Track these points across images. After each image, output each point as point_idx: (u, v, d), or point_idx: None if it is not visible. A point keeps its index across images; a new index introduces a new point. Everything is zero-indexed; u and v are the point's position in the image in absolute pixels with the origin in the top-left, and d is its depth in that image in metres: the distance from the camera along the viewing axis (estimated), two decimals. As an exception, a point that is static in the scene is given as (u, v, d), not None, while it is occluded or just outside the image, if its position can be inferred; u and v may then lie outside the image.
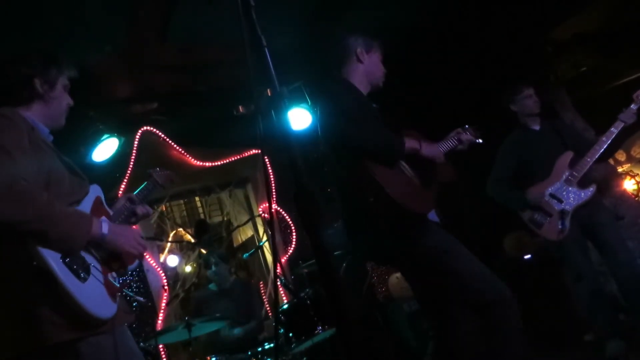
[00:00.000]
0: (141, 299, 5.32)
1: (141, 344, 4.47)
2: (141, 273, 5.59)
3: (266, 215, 6.42)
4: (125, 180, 5.60)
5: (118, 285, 2.30)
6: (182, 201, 7.87)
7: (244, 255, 6.00)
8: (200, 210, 8.08)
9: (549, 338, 5.20)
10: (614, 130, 4.22)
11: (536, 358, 5.00)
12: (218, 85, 5.51)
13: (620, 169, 6.28)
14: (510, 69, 6.00)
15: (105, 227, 2.23)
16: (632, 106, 4.19)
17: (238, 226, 7.23)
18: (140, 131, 5.85)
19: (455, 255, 2.88)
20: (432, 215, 3.06)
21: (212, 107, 5.79)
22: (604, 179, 5.59)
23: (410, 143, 2.98)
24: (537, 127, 4.67)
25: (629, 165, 6.38)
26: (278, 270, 5.35)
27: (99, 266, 2.22)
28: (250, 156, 6.52)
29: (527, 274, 5.62)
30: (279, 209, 6.39)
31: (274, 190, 6.27)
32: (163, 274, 5.68)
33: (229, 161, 6.42)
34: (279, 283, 5.27)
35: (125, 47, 4.56)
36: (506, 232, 5.94)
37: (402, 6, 4.98)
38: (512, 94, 4.68)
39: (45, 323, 1.99)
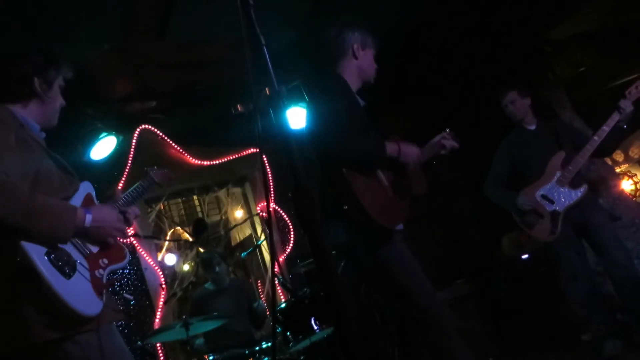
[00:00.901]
0: (129, 296, 5.30)
1: (139, 342, 4.47)
2: (139, 271, 5.58)
3: (264, 214, 6.42)
4: (123, 179, 5.60)
5: (105, 282, 2.28)
6: (180, 200, 7.86)
7: (242, 254, 6.00)
8: (199, 209, 8.08)
9: (546, 337, 5.21)
10: (606, 128, 4.23)
11: (533, 357, 5.02)
12: (216, 84, 5.50)
13: (618, 169, 6.29)
14: (509, 68, 6.01)
15: (88, 219, 2.21)
16: (625, 100, 4.19)
17: (236, 225, 7.23)
18: (138, 129, 5.85)
19: (409, 271, 2.95)
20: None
21: (210, 105, 5.78)
22: (601, 179, 5.60)
23: (389, 148, 3.01)
24: (532, 127, 4.68)
25: (626, 165, 6.39)
26: (276, 269, 5.35)
27: (85, 263, 2.21)
28: (248, 155, 6.52)
29: (524, 274, 5.63)
30: (277, 207, 6.39)
31: (272, 189, 6.27)
32: (161, 273, 5.67)
33: (227, 160, 6.42)
34: (276, 282, 5.27)
35: (123, 45, 4.54)
36: (504, 232, 5.94)
37: (400, 5, 4.98)
38: (498, 100, 4.73)
39: (29, 321, 1.98)
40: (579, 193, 4.31)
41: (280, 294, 5.82)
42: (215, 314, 4.73)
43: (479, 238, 6.62)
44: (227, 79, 5.29)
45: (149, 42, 4.62)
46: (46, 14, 3.84)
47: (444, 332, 2.88)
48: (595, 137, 4.24)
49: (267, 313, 5.61)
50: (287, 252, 6.28)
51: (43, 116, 2.44)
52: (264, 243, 6.31)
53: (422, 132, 3.38)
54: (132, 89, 5.41)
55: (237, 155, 6.46)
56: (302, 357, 4.57)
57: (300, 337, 4.31)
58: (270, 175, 6.07)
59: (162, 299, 5.49)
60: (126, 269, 5.48)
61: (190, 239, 7.34)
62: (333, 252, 2.99)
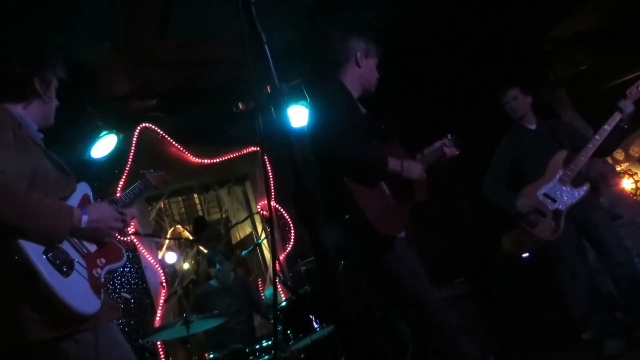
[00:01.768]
0: (127, 295, 5.31)
1: (139, 340, 4.47)
2: (139, 270, 5.59)
3: (265, 212, 6.42)
4: (124, 177, 5.60)
5: (103, 280, 2.28)
6: (180, 198, 7.87)
7: (243, 253, 6.00)
8: (199, 207, 8.09)
9: (547, 336, 5.21)
10: (607, 128, 4.22)
11: (534, 356, 5.02)
12: (217, 82, 5.50)
13: (618, 168, 6.28)
14: (509, 67, 6.00)
15: (84, 219, 2.21)
16: (625, 100, 4.19)
17: (236, 223, 7.23)
18: (139, 128, 5.85)
19: (413, 276, 2.95)
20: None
21: (211, 104, 5.78)
22: (602, 178, 5.60)
23: (392, 164, 3.00)
24: (532, 127, 4.68)
25: (627, 164, 6.38)
26: (277, 268, 5.35)
27: (83, 261, 2.21)
28: (249, 153, 6.52)
29: (525, 273, 5.63)
30: (277, 206, 6.39)
31: (272, 188, 6.27)
32: (161, 271, 5.67)
33: (228, 158, 6.42)
34: (277, 280, 5.27)
35: (124, 43, 4.55)
36: (504, 230, 5.94)
37: (400, 4, 4.97)
38: (499, 98, 4.72)
39: (27, 320, 1.98)
40: (581, 192, 4.30)
41: (281, 292, 5.82)
42: (216, 312, 4.74)
43: (479, 237, 6.62)
44: (227, 77, 5.29)
45: (150, 40, 4.62)
46: (47, 13, 3.85)
47: (451, 337, 2.89)
48: (597, 137, 4.24)
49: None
50: (287, 251, 6.29)
51: (42, 116, 2.45)
52: (265, 241, 6.31)
53: (421, 131, 3.37)
54: (132, 87, 5.42)
55: (237, 154, 6.46)
56: (302, 356, 4.58)
57: (301, 335, 4.32)
58: (270, 173, 6.07)
59: (162, 297, 5.49)
60: (127, 267, 5.50)
61: (191, 238, 7.35)
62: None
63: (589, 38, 6.28)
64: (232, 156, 6.44)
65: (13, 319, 1.98)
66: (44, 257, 2.03)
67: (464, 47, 5.96)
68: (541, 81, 6.30)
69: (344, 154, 2.84)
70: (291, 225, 6.42)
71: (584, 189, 4.31)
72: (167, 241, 7.31)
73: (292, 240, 6.36)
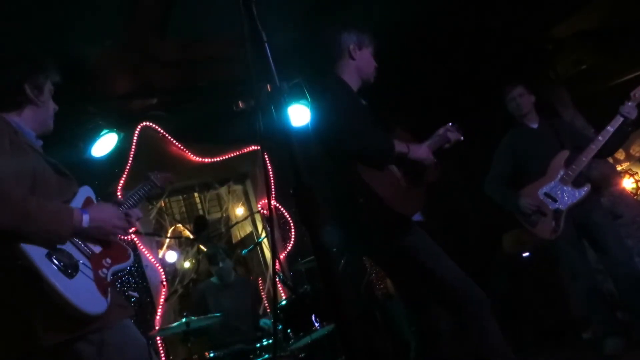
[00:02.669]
0: (135, 293, 5.32)
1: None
2: (140, 269, 5.60)
3: (265, 211, 6.42)
4: (124, 176, 5.60)
5: (109, 280, 2.28)
6: (181, 197, 7.87)
7: (243, 252, 6.01)
8: (199, 206, 8.09)
9: (547, 336, 5.21)
10: (610, 129, 4.22)
11: (535, 355, 5.02)
12: (218, 81, 5.50)
13: (619, 168, 6.28)
14: (510, 66, 6.00)
15: (85, 219, 2.22)
16: (629, 103, 4.19)
17: (237, 222, 7.23)
18: (139, 127, 5.85)
19: (435, 257, 2.94)
20: (416, 216, 3.10)
21: (211, 102, 5.79)
22: (603, 178, 5.59)
23: (399, 146, 3.00)
24: (534, 126, 4.67)
25: (628, 163, 6.38)
26: (277, 267, 5.36)
27: (88, 263, 2.21)
28: (249, 152, 6.52)
29: (525, 272, 5.63)
30: (278, 205, 6.39)
31: (273, 187, 6.27)
32: (162, 270, 5.68)
33: (228, 157, 6.42)
34: (277, 279, 5.27)
35: (124, 42, 4.55)
36: (505, 229, 5.94)
37: (401, 2, 4.98)
38: (503, 95, 4.72)
39: (36, 325, 1.98)
40: (582, 192, 4.30)
41: (281, 291, 5.82)
42: (217, 314, 4.75)
43: (479, 236, 6.62)
44: (228, 76, 5.30)
45: (150, 39, 4.62)
46: (48, 12, 3.85)
47: (476, 312, 2.88)
48: (600, 137, 4.23)
49: (267, 310, 5.62)
50: (287, 250, 6.29)
51: (37, 122, 2.43)
52: (265, 240, 6.31)
53: (422, 129, 3.37)
54: (133, 86, 5.42)
55: (238, 153, 6.46)
56: (302, 354, 4.58)
57: (301, 334, 4.32)
58: (271, 172, 6.07)
59: (163, 296, 5.50)
60: (124, 270, 5.50)
61: (191, 237, 7.35)
62: (334, 249, 2.99)
63: (590, 37, 6.28)
64: (232, 155, 6.44)
65: (24, 325, 1.99)
66: (48, 259, 2.03)
67: (464, 47, 5.96)
68: (542, 80, 6.30)
69: (352, 140, 2.86)
70: (291, 224, 6.43)
71: (585, 190, 4.30)
72: (167, 240, 7.31)
73: (292, 239, 6.36)
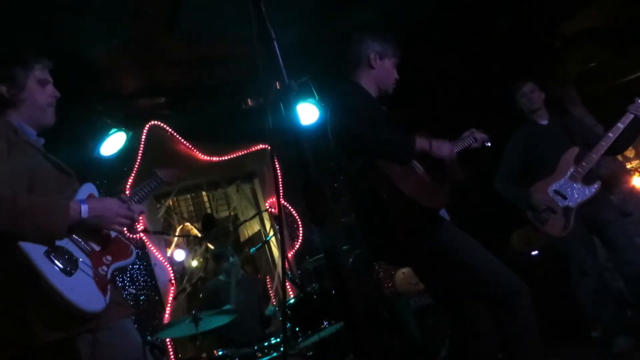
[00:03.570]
0: (133, 290, 5.34)
1: (148, 337, 4.49)
2: (148, 267, 5.62)
3: (273, 210, 6.42)
4: (133, 175, 5.62)
5: (109, 278, 2.26)
6: (189, 196, 7.89)
7: (251, 250, 6.02)
8: (207, 204, 8.11)
9: (556, 334, 5.19)
10: (621, 126, 4.20)
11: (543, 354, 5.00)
12: (226, 79, 5.51)
13: (628, 165, 6.25)
14: (518, 64, 5.98)
15: (84, 210, 2.20)
16: (639, 100, 4.17)
17: (245, 221, 7.24)
18: (147, 125, 5.86)
19: (469, 249, 2.89)
20: (443, 213, 3.07)
21: (219, 101, 5.80)
22: (612, 175, 5.56)
23: (420, 143, 3.00)
24: (544, 122, 4.65)
25: (637, 161, 6.35)
26: (285, 265, 5.36)
27: (88, 260, 2.20)
28: (257, 151, 6.52)
29: (534, 270, 5.60)
30: (286, 204, 6.39)
31: (281, 185, 6.27)
32: (170, 268, 5.70)
33: (236, 156, 6.42)
34: (285, 278, 5.27)
35: (132, 41, 4.56)
36: (513, 227, 5.92)
37: (409, 1, 4.97)
38: (514, 91, 4.69)
39: (37, 323, 1.99)
40: (592, 189, 4.28)
41: (290, 289, 5.83)
42: (225, 307, 4.75)
43: (488, 234, 6.59)
44: (236, 74, 5.30)
45: (158, 37, 4.63)
46: (56, 12, 3.86)
47: (517, 303, 2.84)
48: (610, 134, 4.21)
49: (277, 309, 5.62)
50: (295, 248, 6.29)
51: (27, 118, 2.40)
52: (273, 239, 6.32)
53: (432, 128, 3.36)
54: (141, 85, 5.44)
55: (246, 151, 6.47)
56: (311, 353, 4.58)
57: (309, 332, 4.32)
58: (279, 171, 6.07)
59: (171, 295, 5.51)
60: (136, 264, 5.52)
61: (199, 235, 7.37)
62: (343, 248, 2.98)
63: (599, 35, 6.25)
64: (240, 154, 6.44)
65: (23, 322, 1.99)
66: (46, 257, 2.03)
67: (473, 44, 5.94)
68: (551, 78, 6.27)
69: (374, 135, 2.87)
70: (299, 222, 6.43)
71: (595, 187, 4.28)
72: (175, 239, 7.34)
73: (300, 237, 6.36)
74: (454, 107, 6.28)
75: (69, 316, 2.02)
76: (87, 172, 2.41)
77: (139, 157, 5.73)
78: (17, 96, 2.38)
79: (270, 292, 6.25)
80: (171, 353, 5.26)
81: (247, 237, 8.31)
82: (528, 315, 2.88)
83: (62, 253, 2.10)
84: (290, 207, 6.44)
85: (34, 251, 2.01)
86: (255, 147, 6.49)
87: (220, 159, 6.34)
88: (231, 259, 5.51)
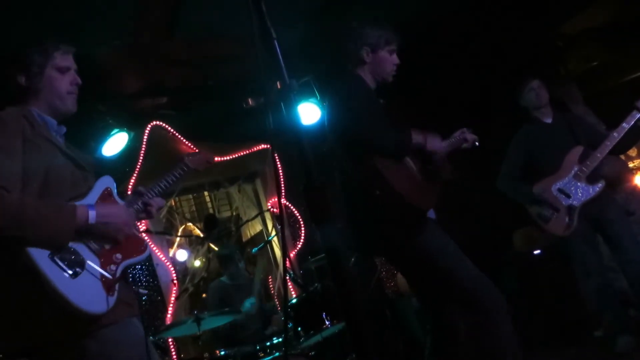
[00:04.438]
0: (143, 291, 5.34)
1: (150, 337, 4.49)
2: (151, 267, 5.62)
3: (275, 210, 6.42)
4: (135, 175, 5.61)
5: (119, 276, 2.24)
6: (191, 196, 7.90)
7: (253, 250, 6.01)
8: (209, 204, 8.11)
9: (558, 333, 5.18)
10: (626, 126, 4.19)
11: (545, 353, 5.00)
12: (227, 79, 5.51)
13: (631, 164, 6.24)
14: (520, 63, 5.97)
15: (92, 216, 2.18)
16: None
17: (247, 221, 7.24)
18: (149, 126, 5.86)
19: (450, 254, 2.96)
20: (430, 213, 3.10)
21: (221, 101, 5.79)
22: (615, 175, 5.55)
23: (416, 137, 3.05)
24: (548, 120, 4.64)
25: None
26: (287, 265, 5.36)
27: (96, 260, 2.19)
28: (259, 151, 6.52)
29: (536, 269, 5.61)
30: (287, 203, 6.38)
31: (283, 185, 6.27)
32: (172, 269, 5.70)
33: (238, 156, 6.42)
34: (287, 277, 5.27)
35: (134, 41, 4.56)
36: (516, 227, 5.91)
37: (411, 0, 4.96)
38: (519, 89, 4.68)
39: (41, 323, 2.00)
40: (596, 188, 4.27)
41: (291, 289, 5.83)
42: (226, 309, 4.75)
43: (490, 233, 6.59)
44: (237, 74, 5.30)
45: (160, 38, 4.63)
46: (57, 11, 3.86)
47: (490, 313, 2.86)
48: (615, 134, 4.20)
49: (279, 309, 5.62)
50: (297, 248, 6.29)
51: (47, 106, 2.39)
52: (275, 239, 6.31)
53: (432, 126, 3.37)
54: (143, 85, 5.44)
55: (247, 151, 6.47)
56: (313, 353, 4.58)
57: (312, 332, 4.32)
58: (281, 170, 6.07)
59: (173, 295, 5.51)
60: (138, 264, 5.52)
61: (202, 235, 7.38)
62: (344, 247, 2.98)
63: (600, 34, 6.24)
64: (242, 154, 6.44)
65: (28, 322, 2.01)
66: (50, 259, 2.02)
67: (475, 43, 5.93)
68: (552, 77, 6.26)
69: (369, 129, 2.91)
70: (301, 222, 6.42)
71: (599, 186, 4.27)
72: (178, 239, 7.34)
73: (302, 237, 6.36)
74: (455, 106, 6.28)
75: (72, 317, 2.02)
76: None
77: (141, 158, 5.73)
78: (36, 85, 2.38)
79: (272, 292, 6.25)
80: (173, 353, 5.26)
81: (249, 237, 8.31)
82: (502, 326, 2.89)
83: (67, 254, 2.09)
84: (292, 207, 6.44)
85: (39, 254, 2.00)
86: (257, 147, 6.49)
87: (222, 159, 6.34)
88: (240, 264, 5.51)
